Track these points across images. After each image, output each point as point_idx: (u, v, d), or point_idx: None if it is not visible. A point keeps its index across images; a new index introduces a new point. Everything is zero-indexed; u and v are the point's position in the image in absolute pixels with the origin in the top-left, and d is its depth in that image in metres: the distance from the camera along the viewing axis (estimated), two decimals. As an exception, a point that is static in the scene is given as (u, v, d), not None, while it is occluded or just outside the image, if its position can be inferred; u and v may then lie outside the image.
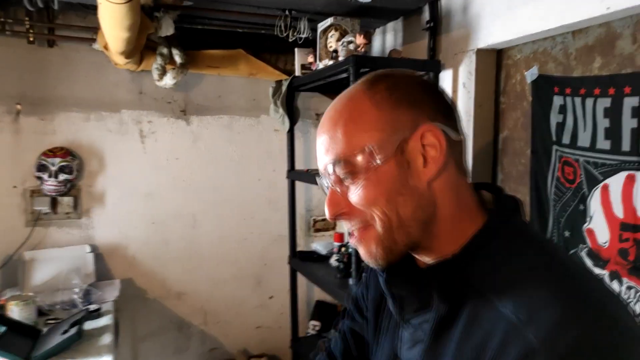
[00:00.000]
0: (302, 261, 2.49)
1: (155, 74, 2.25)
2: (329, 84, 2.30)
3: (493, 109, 1.85)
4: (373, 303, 0.77)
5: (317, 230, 2.90)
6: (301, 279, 2.72)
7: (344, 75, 1.91)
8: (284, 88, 2.45)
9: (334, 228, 2.91)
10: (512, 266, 0.56)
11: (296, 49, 2.30)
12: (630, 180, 1.31)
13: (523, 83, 1.69)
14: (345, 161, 0.59)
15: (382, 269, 0.62)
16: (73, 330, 1.68)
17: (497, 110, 1.85)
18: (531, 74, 1.61)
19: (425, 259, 0.63)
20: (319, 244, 2.62)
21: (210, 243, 2.64)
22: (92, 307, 1.96)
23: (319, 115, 2.85)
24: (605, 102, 1.36)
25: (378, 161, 0.58)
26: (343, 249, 2.23)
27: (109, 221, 2.42)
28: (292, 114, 2.51)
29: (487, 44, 1.72)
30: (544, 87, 1.56)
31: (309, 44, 2.22)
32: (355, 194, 0.59)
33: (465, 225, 0.60)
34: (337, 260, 2.21)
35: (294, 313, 2.65)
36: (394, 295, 0.65)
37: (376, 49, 2.41)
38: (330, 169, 0.61)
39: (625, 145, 1.31)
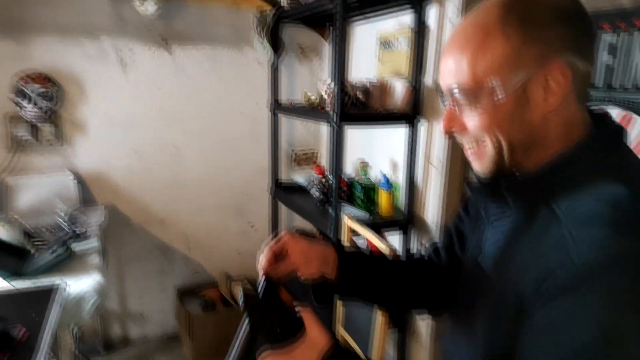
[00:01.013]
0: (283, 191, 2.57)
1: (137, 0, 2.17)
2: (314, 16, 2.27)
3: (476, 44, 1.87)
4: (475, 206, 0.85)
5: (298, 164, 2.96)
6: (282, 209, 2.81)
7: (331, 5, 1.89)
8: (268, 19, 2.40)
9: (314, 162, 2.98)
10: (591, 191, 0.58)
11: (282, -23, 2.24)
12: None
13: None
14: (466, 90, 0.62)
15: (488, 179, 0.68)
16: (62, 250, 1.74)
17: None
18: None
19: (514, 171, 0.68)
20: (300, 176, 2.69)
21: (192, 173, 2.69)
22: (79, 230, 2.02)
23: (303, 49, 2.82)
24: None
25: (499, 96, 0.60)
26: (323, 180, 2.30)
27: (91, 149, 2.43)
28: (277, 46, 2.49)
29: (474, -23, 1.71)
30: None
31: (295, -29, 2.16)
32: (471, 120, 0.64)
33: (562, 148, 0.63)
34: (318, 190, 2.29)
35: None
36: (485, 200, 0.73)
37: (363, -21, 2.35)
38: (451, 92, 0.64)
39: (599, 80, 1.37)
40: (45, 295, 1.40)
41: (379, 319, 1.57)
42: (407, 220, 2.09)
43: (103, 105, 2.42)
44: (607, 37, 1.34)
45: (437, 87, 0.71)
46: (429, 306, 0.97)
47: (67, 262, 1.77)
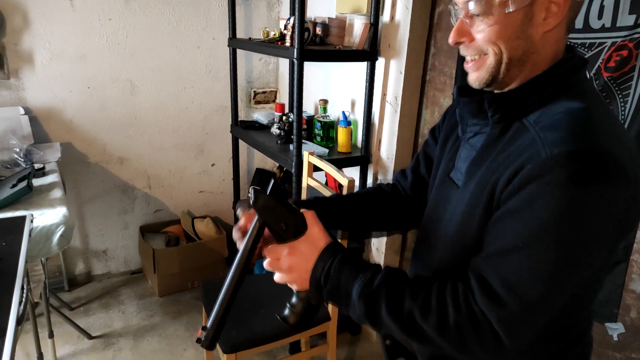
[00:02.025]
0: (244, 129, 2.60)
1: None
2: (273, -54, 2.21)
3: (433, -18, 1.91)
4: (445, 131, 0.94)
5: (258, 103, 2.97)
6: (242, 148, 2.85)
7: None
8: (224, -53, 2.31)
9: (273, 101, 3.00)
10: (556, 107, 0.69)
11: None
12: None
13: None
14: (482, 1, 0.69)
15: (480, 88, 0.76)
16: (23, 184, 1.73)
17: (436, -16, 1.92)
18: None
19: (498, 90, 0.77)
20: (260, 114, 2.71)
21: (150, 110, 2.64)
22: (37, 165, 1.99)
23: (260, -18, 2.74)
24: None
25: (511, 8, 0.68)
26: (284, 118, 2.35)
27: (40, 83, 2.33)
28: (234, -23, 2.41)
29: None
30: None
31: None
32: (481, 30, 0.71)
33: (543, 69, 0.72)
34: (278, 128, 2.34)
35: (236, 178, 2.83)
36: (466, 115, 0.81)
37: None
38: (467, 3, 0.71)
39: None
40: (14, 226, 1.42)
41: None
42: (364, 156, 2.20)
43: (50, 36, 2.30)
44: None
45: (451, 4, 0.77)
46: (390, 226, 1.09)
47: (28, 196, 1.76)
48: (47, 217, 1.65)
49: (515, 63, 0.72)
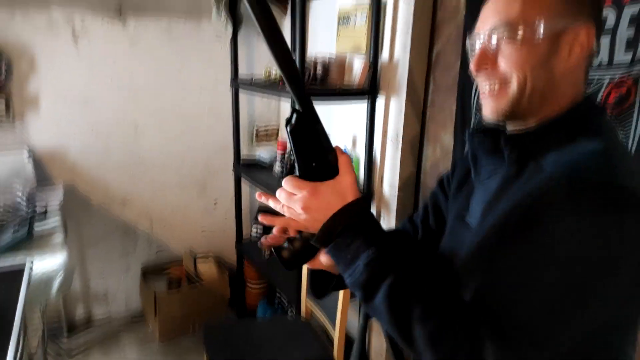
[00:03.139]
0: (245, 168, 2.60)
1: (87, -31, 2.10)
2: (273, -10, 2.27)
3: (430, 22, 1.95)
4: (457, 180, 0.90)
5: (260, 140, 2.98)
6: (244, 186, 2.85)
7: (290, -20, 1.91)
8: (226, -8, 2.38)
9: (276, 138, 3.01)
10: (575, 148, 0.67)
11: (239, -50, 2.22)
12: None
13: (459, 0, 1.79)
14: (514, 24, 0.68)
15: (497, 122, 0.74)
16: (23, 230, 1.72)
17: (433, 24, 1.95)
18: (466, -11, 1.70)
19: (514, 127, 0.75)
20: (263, 152, 2.73)
21: (153, 151, 2.66)
22: (39, 209, 1.98)
23: (261, 24, 2.80)
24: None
25: (540, 35, 0.67)
26: (286, 156, 2.36)
27: (45, 126, 2.36)
28: (235, 20, 2.47)
29: (428, -44, 1.77)
30: (477, 1, 1.67)
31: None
32: (507, 56, 0.70)
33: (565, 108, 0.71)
34: (281, 166, 2.34)
35: (239, 217, 2.81)
36: (481, 154, 0.79)
37: (321, -45, 2.37)
38: (494, 30, 0.70)
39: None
40: (13, 274, 1.40)
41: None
42: (366, 193, 2.19)
43: (55, 80, 2.35)
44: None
45: (468, 38, 0.76)
46: None
47: (28, 242, 1.75)
48: (47, 263, 1.63)
49: (537, 95, 0.70)
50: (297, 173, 0.70)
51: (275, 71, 2.32)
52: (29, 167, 2.26)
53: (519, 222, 0.64)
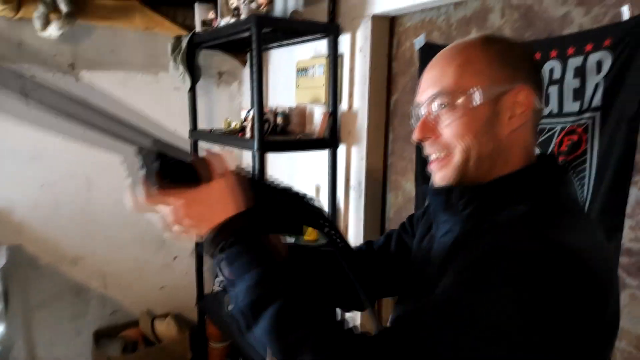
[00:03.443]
0: (206, 221, 2.51)
1: (38, 23, 2.05)
2: (231, 42, 2.28)
3: (386, 73, 1.99)
4: (422, 228, 0.88)
5: (222, 191, 2.91)
6: (206, 239, 2.74)
7: (247, 34, 1.92)
8: (183, 44, 2.37)
9: (238, 188, 2.95)
10: (524, 207, 0.65)
11: (196, 4, 2.23)
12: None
13: (412, 49, 1.84)
14: (447, 94, 0.69)
15: (447, 189, 0.72)
16: (-45, 300, 1.57)
17: (389, 75, 1.99)
18: (419, 42, 1.75)
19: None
20: (224, 204, 2.65)
21: (107, 206, 2.54)
22: (-24, 275, 1.82)
23: (221, 74, 2.81)
24: (478, 70, 1.55)
25: (476, 103, 0.67)
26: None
27: (-11, 185, 2.22)
28: (193, 72, 2.45)
29: (381, 10, 1.82)
30: (429, 53, 1.71)
31: (210, -1, 2.17)
32: (448, 126, 0.69)
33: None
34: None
35: (199, 271, 2.69)
36: (436, 210, 0.77)
37: (278, 8, 2.40)
38: (432, 99, 0.70)
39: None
40: None
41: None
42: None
43: (4, 139, 2.23)
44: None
45: (412, 108, 0.76)
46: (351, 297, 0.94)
47: (-39, 313, 1.59)
48: (-20, 337, 1.47)
49: (485, 161, 0.69)
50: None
51: (236, 122, 2.29)
52: (-32, 229, 2.10)
53: (459, 280, 0.61)
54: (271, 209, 0.73)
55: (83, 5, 2.16)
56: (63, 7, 2.06)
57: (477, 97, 0.68)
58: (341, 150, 2.09)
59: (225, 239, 0.63)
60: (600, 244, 0.65)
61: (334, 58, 1.98)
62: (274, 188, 0.75)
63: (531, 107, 0.69)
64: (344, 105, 2.07)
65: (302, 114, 2.30)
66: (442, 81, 0.70)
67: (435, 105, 0.71)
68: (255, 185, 0.71)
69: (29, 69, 2.25)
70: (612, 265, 0.63)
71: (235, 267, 0.62)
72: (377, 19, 1.89)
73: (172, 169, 0.63)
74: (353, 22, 1.96)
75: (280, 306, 0.58)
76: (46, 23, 2.06)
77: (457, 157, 0.70)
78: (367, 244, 0.99)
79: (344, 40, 2.02)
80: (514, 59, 0.70)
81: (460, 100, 0.68)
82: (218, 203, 0.65)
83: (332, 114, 2.03)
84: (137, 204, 0.65)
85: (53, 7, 2.05)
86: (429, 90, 0.72)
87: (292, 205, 0.76)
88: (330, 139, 2.03)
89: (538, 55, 1.36)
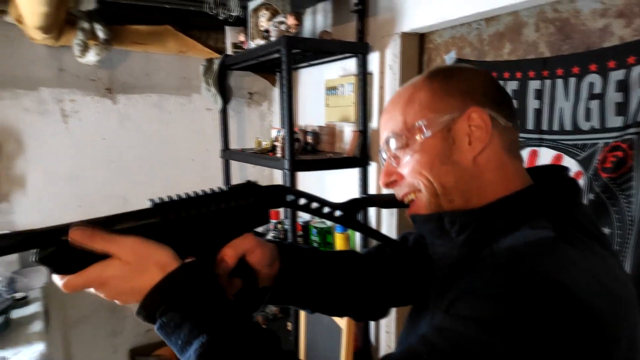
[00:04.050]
0: (238, 239, 2.52)
1: (77, 50, 2.14)
2: (261, 63, 2.32)
3: (417, 89, 1.96)
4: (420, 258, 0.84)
5: (253, 209, 2.93)
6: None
7: (277, 55, 1.94)
8: (215, 67, 2.42)
9: (269, 206, 2.96)
10: (523, 234, 0.61)
11: (227, 27, 2.28)
12: (533, 155, 1.47)
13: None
14: (398, 135, 0.69)
15: (437, 216, 0.68)
16: (1, 319, 1.62)
17: (420, 91, 1.97)
18: (450, 58, 1.73)
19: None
20: (255, 222, 2.66)
21: (143, 225, 2.59)
22: (18, 295, 1.88)
23: (252, 94, 2.85)
24: (513, 85, 1.51)
25: (425, 135, 0.67)
26: (279, 226, 2.29)
27: (31, 205, 2.30)
28: (225, 93, 2.50)
29: (410, 28, 1.81)
30: (461, 70, 1.69)
31: (240, 22, 2.21)
32: (405, 165, 0.69)
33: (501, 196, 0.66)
34: (274, 235, 2.27)
35: (232, 290, 2.70)
36: (430, 238, 0.73)
37: (306, 29, 2.44)
38: (387, 143, 0.71)
39: (530, 124, 1.47)
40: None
41: (344, 349, 1.55)
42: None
43: (43, 158, 2.32)
44: (533, 84, 1.45)
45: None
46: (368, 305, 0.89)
47: (5, 332, 1.64)
48: (22, 356, 1.51)
49: (453, 192, 0.67)
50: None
51: (267, 142, 2.31)
52: (12, 249, 2.17)
53: (455, 321, 0.56)
54: (199, 231, 0.63)
55: (119, 32, 2.24)
56: (100, 34, 2.14)
57: (424, 131, 0.67)
58: (372, 168, 2.07)
59: (155, 307, 0.55)
60: (611, 280, 0.57)
61: (364, 76, 1.98)
62: (187, 204, 0.63)
63: (489, 127, 0.66)
64: (373, 123, 2.06)
65: (332, 133, 2.30)
66: (392, 123, 0.71)
67: (392, 148, 0.70)
68: (163, 222, 0.61)
69: (67, 93, 2.35)
70: (626, 303, 0.56)
71: (183, 333, 0.53)
72: (406, 36, 1.88)
73: (52, 259, 0.55)
74: (382, 40, 1.96)
75: None
76: (85, 49, 2.15)
77: (423, 194, 0.68)
78: (378, 247, 0.92)
79: (373, 59, 2.01)
80: (459, 85, 0.68)
81: (408, 138, 0.68)
82: (132, 273, 0.56)
83: (362, 132, 2.02)
84: (65, 288, 0.56)
85: (91, 35, 2.13)
86: (383, 134, 0.73)
87: (222, 212, 0.65)
88: (360, 158, 2.02)
89: (560, 71, 1.32)
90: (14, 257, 2.16)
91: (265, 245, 0.73)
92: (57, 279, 0.56)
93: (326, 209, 0.75)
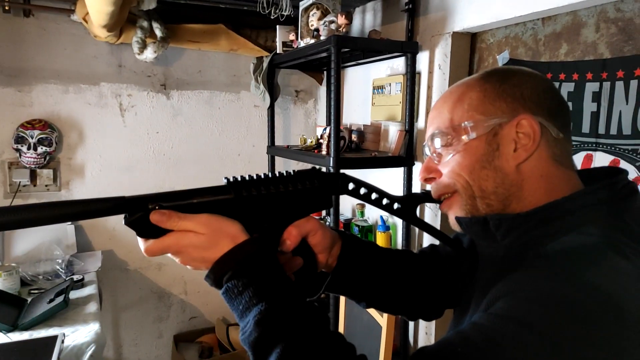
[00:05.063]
0: (281, 234, 2.57)
1: (136, 47, 2.24)
2: (309, 62, 2.35)
3: (466, 90, 1.94)
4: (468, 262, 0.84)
5: (296, 205, 2.97)
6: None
7: (325, 54, 1.97)
8: (265, 65, 2.48)
9: (311, 203, 3.00)
10: (569, 239, 0.60)
11: (278, 26, 2.32)
12: (588, 160, 1.42)
13: (495, 66, 1.78)
14: (443, 133, 0.69)
15: (482, 219, 0.67)
16: (59, 299, 1.73)
17: (470, 92, 1.94)
18: (502, 58, 1.70)
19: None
20: (298, 218, 2.70)
21: (190, 216, 2.68)
22: (76, 277, 2.00)
23: (298, 92, 2.89)
24: (569, 87, 1.46)
25: (470, 137, 0.66)
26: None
27: (88, 193, 2.44)
28: (273, 91, 2.55)
29: (462, 27, 1.79)
30: (514, 70, 1.65)
31: (290, 21, 2.25)
32: (445, 164, 0.69)
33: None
34: (316, 233, 2.30)
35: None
36: (476, 239, 0.75)
37: (355, 28, 2.46)
38: (431, 139, 0.71)
39: (585, 127, 1.42)
40: (45, 346, 1.38)
41: (383, 347, 1.56)
42: (404, 261, 2.10)
43: (101, 149, 2.45)
44: (590, 86, 1.40)
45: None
46: (422, 303, 0.90)
47: (63, 311, 1.75)
48: (79, 334, 1.61)
49: (492, 196, 0.66)
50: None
51: (311, 139, 2.35)
52: (70, 234, 2.31)
53: (493, 319, 0.55)
54: (265, 211, 0.67)
55: (175, 30, 2.33)
56: (158, 33, 2.24)
57: (469, 132, 0.66)
58: (416, 168, 2.06)
59: (222, 273, 0.59)
60: None
61: (412, 76, 1.97)
62: (260, 185, 0.67)
63: (538, 136, 0.64)
64: (420, 123, 2.05)
65: (377, 132, 2.30)
66: (439, 120, 0.70)
67: (436, 145, 0.70)
68: (238, 200, 0.65)
69: (125, 88, 2.47)
70: None
71: (244, 299, 0.58)
72: (457, 36, 1.86)
73: (139, 224, 0.61)
74: (432, 39, 1.94)
75: (283, 350, 0.54)
76: (143, 47, 2.25)
77: (461, 194, 0.68)
78: (432, 247, 0.94)
79: (422, 58, 2.00)
80: (513, 90, 0.66)
81: (453, 137, 0.67)
82: (205, 243, 0.61)
83: (409, 132, 2.01)
84: (147, 252, 0.63)
85: (149, 33, 2.23)
86: (429, 130, 0.72)
87: (290, 193, 0.68)
88: (406, 157, 2.01)
89: (621, 73, 1.26)
90: (72, 241, 2.30)
91: (327, 230, 0.76)
92: (141, 243, 0.62)
93: (385, 201, 0.76)
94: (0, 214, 0.53)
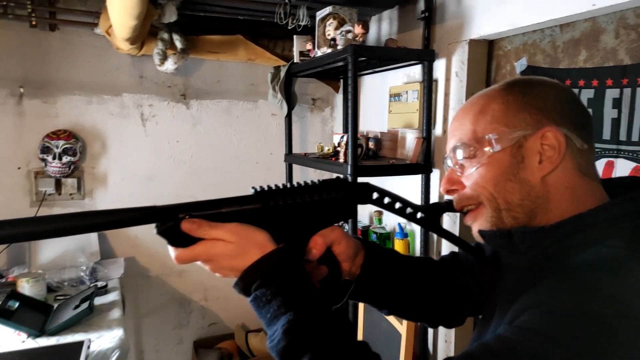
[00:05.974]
0: (299, 241, 2.59)
1: (157, 59, 2.30)
2: (326, 71, 2.38)
3: (484, 97, 1.93)
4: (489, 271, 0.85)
5: (313, 212, 2.99)
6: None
7: (342, 63, 1.99)
8: (282, 74, 2.51)
9: (329, 210, 3.01)
10: (596, 250, 0.60)
11: (295, 36, 2.35)
12: (609, 167, 1.41)
13: (512, 73, 1.78)
14: (466, 145, 0.68)
15: (507, 232, 0.67)
16: (84, 305, 1.77)
17: (487, 99, 1.94)
18: (520, 65, 1.69)
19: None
20: (315, 225, 2.72)
21: (209, 224, 2.72)
22: (100, 283, 2.05)
23: (315, 100, 2.92)
24: (588, 93, 1.46)
25: (494, 149, 0.65)
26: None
27: (111, 202, 2.50)
28: (290, 99, 2.58)
29: (479, 34, 1.79)
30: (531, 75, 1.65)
31: (307, 31, 2.28)
32: (469, 176, 0.69)
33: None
34: (333, 240, 2.31)
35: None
36: (499, 250, 0.74)
37: (372, 37, 2.47)
38: (453, 150, 0.70)
39: (606, 134, 1.41)
40: (71, 352, 1.42)
41: (403, 355, 1.56)
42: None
43: (123, 159, 2.51)
44: (610, 92, 1.39)
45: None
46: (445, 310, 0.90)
47: (88, 317, 1.79)
48: (104, 340, 1.65)
49: (518, 209, 0.65)
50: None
51: (329, 147, 2.37)
52: (94, 241, 2.37)
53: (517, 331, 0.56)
54: (291, 221, 0.68)
55: (195, 42, 2.38)
56: (178, 44, 2.29)
57: (494, 145, 0.65)
58: (434, 175, 2.06)
59: (251, 281, 0.61)
60: None
61: (429, 83, 1.98)
62: (287, 195, 0.69)
63: (563, 147, 0.63)
64: (437, 130, 2.05)
65: (394, 139, 2.31)
66: (461, 132, 0.70)
67: (458, 157, 0.69)
68: (265, 210, 0.67)
69: (147, 98, 2.53)
70: None
71: (273, 307, 0.59)
72: (474, 43, 1.86)
73: (169, 233, 0.63)
74: (449, 47, 1.95)
75: (311, 359, 0.55)
76: (164, 59, 2.31)
77: (486, 207, 0.67)
78: (453, 255, 0.94)
79: (439, 65, 2.01)
80: (536, 101, 0.65)
81: (476, 149, 0.67)
82: (234, 252, 0.63)
83: (426, 139, 2.01)
84: (177, 260, 0.65)
85: (170, 45, 2.28)
86: (451, 142, 0.71)
87: (318, 202, 0.70)
88: (424, 164, 2.02)
89: (660, 78, 1.25)
90: (95, 249, 2.36)
91: (351, 239, 0.77)
92: (172, 251, 0.64)
93: (409, 210, 0.77)
94: (36, 223, 0.56)
